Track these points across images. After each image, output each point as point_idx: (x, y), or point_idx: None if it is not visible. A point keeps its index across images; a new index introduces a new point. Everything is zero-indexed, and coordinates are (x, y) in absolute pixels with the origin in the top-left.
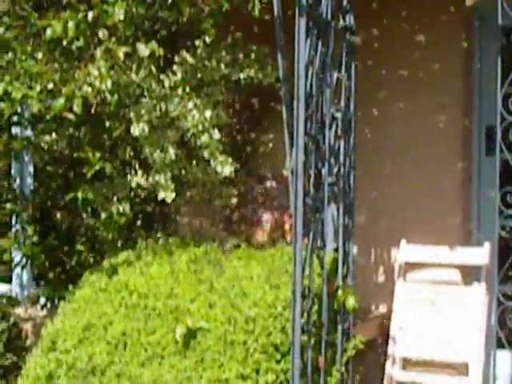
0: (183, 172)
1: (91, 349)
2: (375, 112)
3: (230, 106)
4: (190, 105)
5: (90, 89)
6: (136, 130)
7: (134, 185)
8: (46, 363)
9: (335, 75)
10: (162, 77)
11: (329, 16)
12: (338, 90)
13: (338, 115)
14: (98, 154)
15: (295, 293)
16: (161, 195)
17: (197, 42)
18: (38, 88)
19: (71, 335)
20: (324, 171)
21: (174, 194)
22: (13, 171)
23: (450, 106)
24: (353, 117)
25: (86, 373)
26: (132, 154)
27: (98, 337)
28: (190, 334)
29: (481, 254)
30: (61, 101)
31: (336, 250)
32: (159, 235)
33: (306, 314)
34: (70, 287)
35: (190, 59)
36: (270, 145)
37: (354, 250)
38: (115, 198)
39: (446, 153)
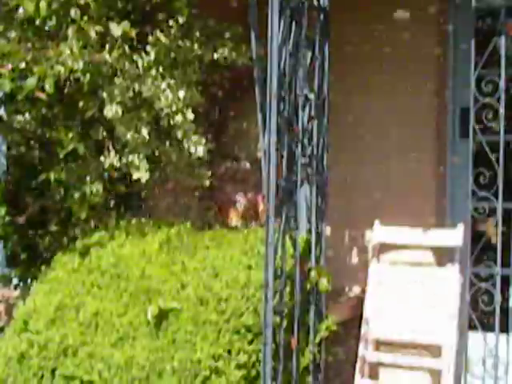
0: (156, 152)
1: (63, 329)
2: (349, 94)
3: (203, 86)
4: (164, 85)
5: (62, 68)
6: (109, 110)
7: (106, 165)
8: (17, 344)
9: (309, 56)
10: (136, 57)
11: None
12: (312, 70)
13: (312, 96)
14: (70, 134)
15: (268, 274)
16: (135, 175)
17: (170, 22)
18: (10, 67)
19: (43, 316)
20: (297, 152)
21: (148, 174)
22: None
23: (424, 88)
24: (326, 98)
25: (58, 353)
26: (105, 134)
27: (70, 317)
28: (162, 315)
29: (454, 236)
30: (32, 80)
31: (309, 231)
32: (132, 216)
33: (278, 295)
34: (43, 268)
35: (163, 39)
36: (244, 126)
37: (328, 231)
38: (88, 179)
39: (420, 135)
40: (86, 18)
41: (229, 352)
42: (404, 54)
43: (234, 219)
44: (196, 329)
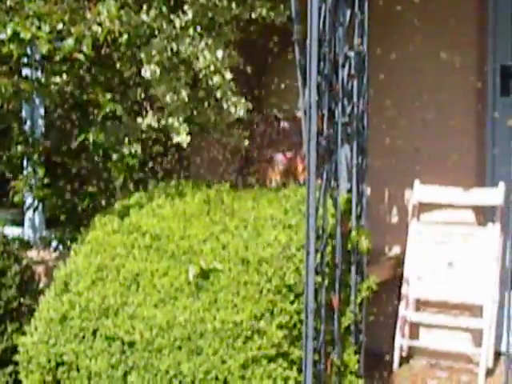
0: (195, 113)
1: (104, 290)
2: (388, 53)
3: (241, 46)
4: (202, 45)
5: (99, 29)
6: (147, 71)
7: (144, 126)
8: (59, 305)
9: (348, 13)
10: (173, 17)
11: None
12: (351, 28)
13: (351, 54)
14: (108, 96)
15: (309, 233)
16: (176, 139)
17: None
18: (48, 28)
19: (84, 277)
20: (337, 111)
21: (189, 138)
22: (23, 113)
23: (464, 45)
24: (366, 56)
25: (99, 314)
26: (143, 95)
27: (110, 278)
28: (203, 275)
29: (495, 195)
30: (70, 41)
31: (349, 190)
32: (170, 177)
33: (319, 255)
34: (82, 229)
35: None
36: (283, 85)
37: (368, 190)
38: (126, 140)
39: (460, 93)
40: None
41: (271, 312)
42: (442, 10)
43: (274, 179)
44: (237, 289)
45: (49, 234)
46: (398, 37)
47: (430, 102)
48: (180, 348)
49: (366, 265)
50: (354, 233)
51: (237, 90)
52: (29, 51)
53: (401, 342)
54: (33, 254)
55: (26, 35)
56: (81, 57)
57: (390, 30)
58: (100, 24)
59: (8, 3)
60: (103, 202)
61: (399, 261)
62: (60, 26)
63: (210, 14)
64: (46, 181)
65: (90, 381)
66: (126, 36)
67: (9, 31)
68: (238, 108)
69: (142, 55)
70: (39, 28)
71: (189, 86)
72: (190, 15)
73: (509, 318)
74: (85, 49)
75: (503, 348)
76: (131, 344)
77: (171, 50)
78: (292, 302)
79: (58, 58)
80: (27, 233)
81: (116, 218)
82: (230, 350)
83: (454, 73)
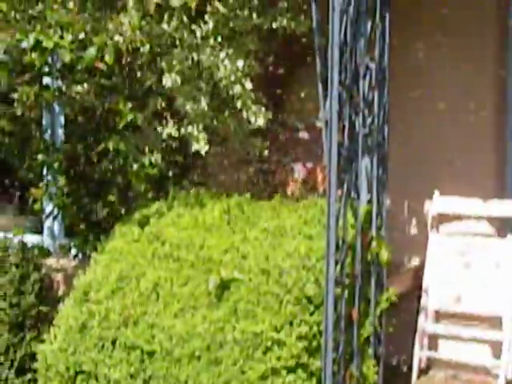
0: (215, 122)
1: (124, 300)
2: (407, 64)
3: (262, 55)
4: (222, 55)
5: (121, 39)
6: (168, 80)
7: (165, 135)
8: (78, 314)
9: (369, 23)
10: (194, 27)
11: None
12: (373, 39)
13: (372, 65)
14: (129, 105)
15: (329, 244)
16: (194, 147)
17: None
18: (70, 38)
19: (104, 286)
20: (358, 122)
21: (207, 146)
22: (44, 122)
23: (483, 55)
24: (387, 67)
25: (118, 324)
26: (163, 104)
27: (130, 288)
28: (223, 285)
29: None
30: (92, 51)
31: (369, 201)
32: (190, 186)
33: (339, 266)
34: (102, 238)
35: (221, 9)
36: (303, 95)
37: (387, 201)
38: (147, 149)
39: (479, 104)
40: None
41: (290, 323)
42: (462, 20)
43: (294, 190)
44: (257, 300)
45: (68, 242)
46: (416, 47)
47: (450, 113)
48: (199, 358)
49: (385, 276)
50: (374, 244)
51: (257, 100)
52: (49, 60)
53: (420, 353)
54: (52, 261)
55: (48, 44)
56: (102, 66)
57: (408, 33)
58: (122, 34)
59: (30, 12)
60: (123, 211)
61: (419, 272)
62: (82, 36)
63: (230, 24)
64: (66, 189)
65: None
66: (147, 46)
67: (31, 40)
68: (258, 117)
69: (163, 65)
70: (61, 37)
71: (209, 94)
72: (210, 25)
73: None
74: (106, 58)
75: None
76: (150, 353)
77: (192, 59)
78: (312, 313)
79: (79, 67)
80: (46, 241)
81: (136, 227)
82: (249, 361)
83: (473, 84)
